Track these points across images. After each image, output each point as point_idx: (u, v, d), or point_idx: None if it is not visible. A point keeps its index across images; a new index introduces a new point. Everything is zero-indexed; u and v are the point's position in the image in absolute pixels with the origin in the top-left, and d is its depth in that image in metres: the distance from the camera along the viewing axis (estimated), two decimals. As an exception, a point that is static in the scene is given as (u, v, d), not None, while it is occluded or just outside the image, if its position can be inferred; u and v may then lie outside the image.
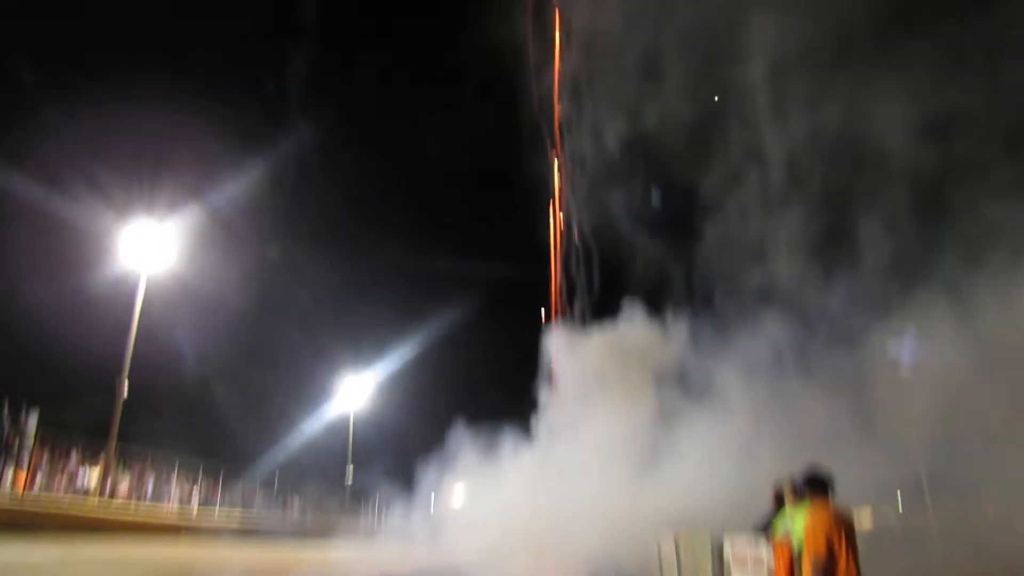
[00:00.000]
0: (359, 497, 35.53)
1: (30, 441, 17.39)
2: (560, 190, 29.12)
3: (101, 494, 18.84)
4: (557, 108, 28.55)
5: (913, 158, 17.41)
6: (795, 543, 5.86)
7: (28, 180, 23.56)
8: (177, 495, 22.79)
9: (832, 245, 21.24)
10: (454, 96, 27.94)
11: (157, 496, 21.89)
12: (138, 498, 20.89)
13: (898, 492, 22.44)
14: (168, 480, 22.68)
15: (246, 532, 23.08)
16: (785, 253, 21.73)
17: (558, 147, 28.97)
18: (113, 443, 19.17)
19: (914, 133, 17.36)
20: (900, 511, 22.64)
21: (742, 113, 21.65)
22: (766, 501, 8.01)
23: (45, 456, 18.41)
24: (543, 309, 28.01)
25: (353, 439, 33.73)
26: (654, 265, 25.47)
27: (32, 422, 17.47)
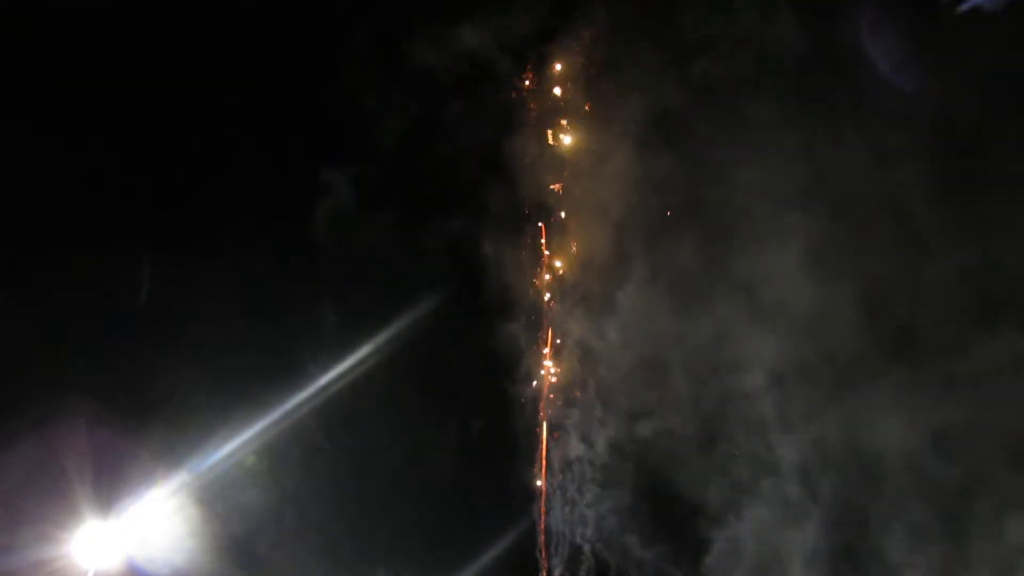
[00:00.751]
0: None
1: None
2: (546, 496, 28.18)
3: None
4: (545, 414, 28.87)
5: (929, 471, 18.05)
6: None
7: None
8: None
9: (851, 559, 20.74)
10: (448, 403, 28.23)
11: None
12: None
13: None
14: None
15: None
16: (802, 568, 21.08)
17: (544, 450, 28.70)
18: None
19: (926, 444, 18.25)
20: None
21: (746, 421, 22.36)
22: None
23: None
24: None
25: None
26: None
27: None
